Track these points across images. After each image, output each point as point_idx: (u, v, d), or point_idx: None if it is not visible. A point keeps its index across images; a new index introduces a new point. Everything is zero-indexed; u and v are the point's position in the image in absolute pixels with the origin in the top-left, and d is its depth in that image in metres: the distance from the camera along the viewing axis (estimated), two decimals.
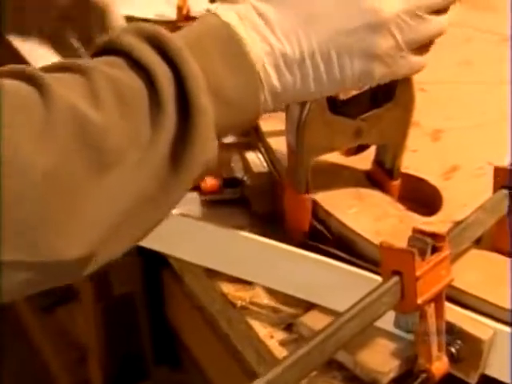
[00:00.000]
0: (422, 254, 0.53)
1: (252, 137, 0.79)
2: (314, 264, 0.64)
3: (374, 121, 0.66)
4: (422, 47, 0.57)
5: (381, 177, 0.70)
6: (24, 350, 1.52)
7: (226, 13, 0.52)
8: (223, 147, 0.74)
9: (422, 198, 0.70)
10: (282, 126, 0.68)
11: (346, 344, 0.51)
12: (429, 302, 0.54)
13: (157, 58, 0.48)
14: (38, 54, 0.88)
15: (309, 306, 0.66)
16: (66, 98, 0.45)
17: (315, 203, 0.68)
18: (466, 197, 0.67)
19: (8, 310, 1.48)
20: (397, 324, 0.55)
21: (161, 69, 0.48)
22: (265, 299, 0.68)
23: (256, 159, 0.75)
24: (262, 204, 0.75)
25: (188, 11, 0.81)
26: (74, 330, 1.39)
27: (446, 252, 0.54)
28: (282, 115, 0.66)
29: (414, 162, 0.72)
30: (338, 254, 0.65)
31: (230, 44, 0.51)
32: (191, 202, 0.76)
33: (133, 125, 0.47)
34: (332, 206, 0.68)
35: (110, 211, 0.46)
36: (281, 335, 0.65)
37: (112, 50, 0.49)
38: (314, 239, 0.68)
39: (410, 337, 0.57)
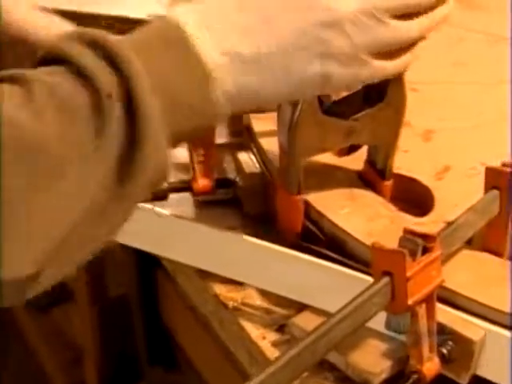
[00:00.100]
0: (413, 254, 0.53)
1: (244, 137, 0.79)
2: (306, 265, 0.64)
3: (366, 121, 0.66)
4: (391, 53, 0.56)
5: (373, 177, 0.70)
6: (20, 350, 1.52)
7: (179, 13, 0.51)
8: (216, 148, 0.75)
9: (414, 198, 0.70)
10: (274, 127, 0.68)
11: (337, 345, 0.51)
12: (420, 302, 0.54)
13: (100, 64, 0.46)
14: None
15: (301, 307, 0.66)
16: (4, 109, 0.43)
17: (307, 204, 0.68)
18: (458, 197, 0.67)
19: (4, 311, 1.48)
20: (388, 325, 0.55)
21: (104, 74, 0.46)
22: (257, 300, 0.68)
23: (248, 160, 0.75)
24: (254, 205, 0.75)
25: None
26: (69, 330, 1.39)
27: (436, 253, 0.54)
28: (275, 115, 0.67)
29: (406, 162, 0.72)
30: (331, 255, 0.65)
31: (180, 44, 0.49)
32: (183, 203, 0.76)
33: (75, 134, 0.45)
34: (324, 207, 0.68)
35: (55, 225, 0.44)
36: (273, 336, 0.65)
37: (53, 58, 0.47)
38: (307, 240, 0.68)
39: (402, 337, 0.58)
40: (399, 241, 0.54)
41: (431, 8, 0.58)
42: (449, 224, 0.59)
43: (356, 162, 0.71)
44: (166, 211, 0.71)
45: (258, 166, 0.75)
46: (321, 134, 0.66)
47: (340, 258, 0.64)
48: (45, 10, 0.71)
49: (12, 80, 0.45)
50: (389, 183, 0.70)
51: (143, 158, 0.46)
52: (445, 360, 0.57)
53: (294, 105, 0.63)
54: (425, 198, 0.69)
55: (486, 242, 0.62)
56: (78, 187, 0.45)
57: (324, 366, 0.62)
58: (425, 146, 0.76)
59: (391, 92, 0.66)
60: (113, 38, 0.47)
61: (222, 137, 0.81)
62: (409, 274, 0.52)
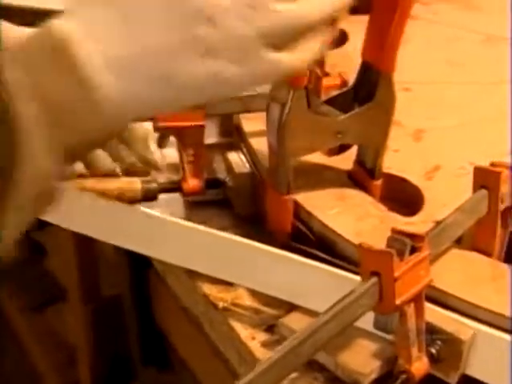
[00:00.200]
0: (401, 254, 0.53)
1: (234, 137, 0.79)
2: (296, 265, 0.64)
3: (355, 121, 0.66)
4: (286, 42, 0.51)
5: (362, 177, 0.70)
6: (13, 350, 1.52)
7: (62, 21, 0.48)
8: (206, 148, 0.75)
9: (403, 198, 0.70)
10: (264, 126, 0.68)
11: (324, 346, 0.51)
12: (408, 302, 0.53)
13: None
14: None
15: (291, 308, 0.66)
16: None
17: (297, 204, 0.68)
18: (447, 197, 0.66)
19: None
20: (376, 325, 0.55)
21: None
22: (247, 300, 0.68)
23: (238, 160, 0.75)
24: (244, 205, 0.75)
25: None
26: (62, 330, 1.39)
27: (425, 252, 0.54)
28: (265, 115, 0.66)
29: (395, 162, 0.72)
30: (321, 256, 0.65)
31: (63, 54, 0.47)
32: (173, 204, 0.76)
33: None
34: (313, 207, 0.67)
35: None
36: (262, 336, 0.65)
37: None
38: (297, 240, 0.68)
39: (391, 337, 0.57)
40: (387, 241, 0.54)
41: None
42: (437, 224, 0.59)
43: (346, 161, 0.71)
44: (155, 212, 0.71)
45: (248, 166, 0.74)
46: (310, 134, 0.65)
47: (330, 258, 0.64)
48: None
49: None
50: (378, 183, 0.69)
51: (18, 171, 0.44)
52: (434, 360, 0.56)
53: (283, 104, 0.63)
54: (415, 198, 0.69)
55: (475, 241, 0.62)
56: None
57: (314, 366, 0.61)
58: (415, 145, 0.76)
59: (380, 91, 0.66)
60: None
61: (212, 137, 0.81)
62: (397, 274, 0.52)
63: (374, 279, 0.52)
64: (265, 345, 0.64)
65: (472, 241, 0.62)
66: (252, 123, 0.76)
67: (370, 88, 0.66)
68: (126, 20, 0.49)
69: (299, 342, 0.49)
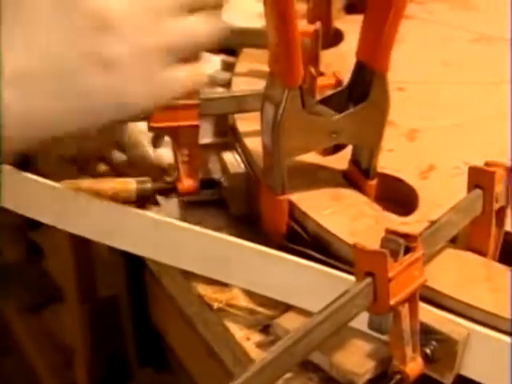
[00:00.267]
0: (395, 254, 0.53)
1: (229, 137, 0.79)
2: (291, 266, 0.64)
3: (350, 120, 0.66)
4: (183, 58, 0.50)
5: (357, 177, 0.70)
6: (13, 351, 1.52)
7: None
8: (201, 148, 0.75)
9: (398, 197, 0.70)
10: (259, 127, 0.67)
11: (318, 346, 0.51)
12: (402, 302, 0.53)
13: None
14: None
15: (286, 308, 0.66)
16: None
17: (292, 204, 0.68)
18: (442, 196, 0.66)
19: None
20: (371, 325, 0.55)
21: None
22: (242, 301, 0.68)
23: (233, 160, 0.75)
24: (239, 205, 0.75)
25: None
26: (59, 331, 1.39)
27: (419, 252, 0.54)
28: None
29: (390, 161, 0.71)
30: (315, 256, 0.65)
31: None
32: (168, 204, 0.76)
33: None
34: (308, 207, 0.67)
35: None
36: (257, 337, 0.65)
37: None
38: (292, 241, 0.68)
39: (386, 337, 0.57)
40: (381, 241, 0.54)
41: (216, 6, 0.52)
42: (431, 223, 0.59)
43: (340, 161, 0.71)
44: (149, 212, 0.71)
45: (243, 166, 0.74)
46: (304, 134, 0.65)
47: (325, 258, 0.64)
48: None
49: None
50: (373, 183, 0.69)
51: None
52: (428, 360, 0.56)
53: (277, 104, 0.63)
54: (409, 198, 0.69)
55: (469, 241, 0.62)
56: None
57: (308, 366, 0.61)
58: (410, 145, 0.76)
59: (374, 91, 0.65)
60: None
61: (207, 137, 0.81)
62: (391, 274, 0.52)
63: (368, 279, 0.52)
64: (260, 345, 0.64)
65: (467, 240, 0.62)
66: (247, 123, 0.76)
67: (365, 88, 0.66)
68: (27, 32, 0.47)
69: (293, 342, 0.48)
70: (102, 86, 0.48)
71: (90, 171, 0.74)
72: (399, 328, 0.54)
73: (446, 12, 1.01)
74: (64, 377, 1.35)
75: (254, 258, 0.66)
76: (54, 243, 1.27)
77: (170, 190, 0.73)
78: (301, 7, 0.89)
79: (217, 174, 0.76)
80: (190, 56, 0.51)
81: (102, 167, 0.74)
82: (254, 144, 0.72)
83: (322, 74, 0.76)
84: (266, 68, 0.65)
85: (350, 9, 0.99)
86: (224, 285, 0.69)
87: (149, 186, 0.73)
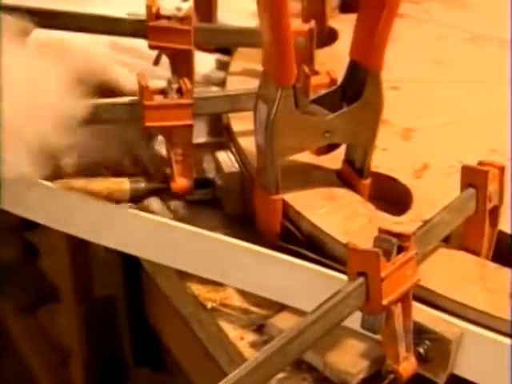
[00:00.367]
0: (388, 254, 0.53)
1: (224, 137, 0.79)
2: (285, 266, 0.64)
3: (343, 120, 0.66)
4: None
5: (351, 176, 0.69)
6: (12, 351, 1.51)
7: None
8: (195, 147, 0.75)
9: (392, 197, 0.70)
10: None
11: (311, 346, 0.51)
12: (395, 302, 0.53)
13: None
14: None
15: (280, 308, 0.66)
16: None
17: (286, 204, 0.68)
18: (436, 195, 0.66)
19: None
20: (364, 325, 0.54)
21: None
22: (236, 301, 0.68)
23: (227, 159, 0.75)
24: (233, 205, 0.75)
25: (158, 10, 0.80)
26: (56, 331, 1.38)
27: (412, 252, 0.54)
28: None
29: (384, 160, 0.71)
30: (309, 255, 0.65)
31: None
32: (162, 204, 0.75)
33: None
34: (302, 207, 0.67)
35: None
36: (251, 337, 0.65)
37: None
38: (287, 240, 0.68)
39: (379, 337, 0.57)
40: (374, 240, 0.53)
41: None
42: (424, 223, 0.59)
43: (334, 161, 0.71)
44: (143, 212, 0.71)
45: (237, 165, 0.74)
46: (298, 133, 0.65)
47: (319, 258, 0.64)
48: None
49: None
50: (367, 182, 0.69)
51: None
52: (422, 359, 0.56)
53: (271, 103, 0.63)
54: (403, 197, 0.69)
55: (463, 240, 0.62)
56: None
57: (302, 366, 0.61)
58: (404, 144, 0.76)
59: (368, 90, 0.65)
60: None
61: (201, 136, 0.81)
62: (383, 274, 0.51)
63: (361, 279, 0.52)
64: (254, 345, 0.64)
65: (460, 240, 0.62)
66: (241, 123, 0.76)
67: (358, 87, 0.66)
68: None
69: (286, 341, 0.48)
70: None
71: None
72: (392, 328, 0.54)
73: (441, 11, 1.01)
74: (60, 376, 1.35)
75: (249, 257, 0.66)
76: (50, 243, 1.27)
77: (163, 190, 0.73)
78: (295, 6, 0.89)
79: (211, 174, 0.76)
80: None
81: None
82: (249, 143, 0.72)
83: (316, 73, 0.76)
84: (260, 67, 0.64)
85: (345, 8, 0.99)
86: (218, 284, 0.69)
87: (142, 185, 0.73)
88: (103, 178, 0.73)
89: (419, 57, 0.90)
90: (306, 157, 0.71)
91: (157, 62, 0.84)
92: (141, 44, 0.84)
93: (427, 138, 0.76)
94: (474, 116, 0.80)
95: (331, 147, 0.71)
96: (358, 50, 0.65)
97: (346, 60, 0.67)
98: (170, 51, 0.82)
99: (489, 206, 0.61)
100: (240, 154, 0.74)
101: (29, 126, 0.55)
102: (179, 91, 0.71)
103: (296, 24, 0.81)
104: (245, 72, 0.86)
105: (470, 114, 0.80)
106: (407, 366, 0.55)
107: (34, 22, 0.76)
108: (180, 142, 0.72)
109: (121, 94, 0.78)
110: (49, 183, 0.73)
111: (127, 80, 0.77)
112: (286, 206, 0.68)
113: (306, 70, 0.70)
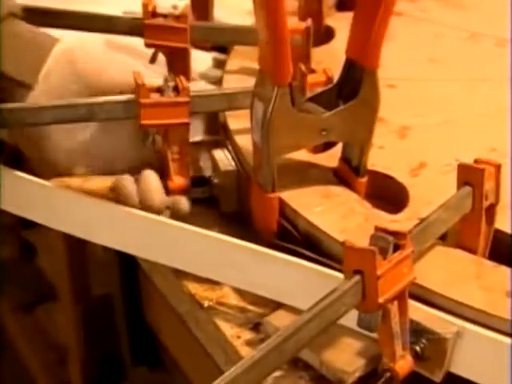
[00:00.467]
0: (384, 252, 0.52)
1: (220, 135, 0.79)
2: (282, 264, 0.64)
3: (340, 118, 0.66)
4: None
5: (348, 174, 0.69)
6: (4, 350, 1.51)
7: None
8: (191, 145, 0.75)
9: (389, 195, 0.70)
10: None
11: (307, 344, 0.51)
12: (391, 300, 0.53)
13: None
14: None
15: (277, 306, 0.66)
16: None
17: (282, 202, 0.68)
18: (433, 194, 0.66)
19: None
20: (360, 323, 0.54)
21: None
22: (233, 299, 0.68)
23: (224, 158, 0.75)
24: (230, 203, 0.74)
25: (154, 8, 0.80)
26: (53, 330, 1.38)
27: (408, 250, 0.54)
28: None
29: (380, 159, 0.71)
30: (306, 254, 0.65)
31: None
32: None
33: None
34: (299, 205, 0.67)
35: None
36: (248, 335, 0.65)
37: None
38: (283, 239, 0.68)
39: (375, 335, 0.57)
40: (370, 239, 0.53)
41: None
42: (421, 221, 0.59)
43: (331, 159, 0.71)
44: (139, 211, 0.71)
45: (233, 164, 0.74)
46: (294, 131, 0.65)
47: (316, 256, 0.64)
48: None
49: None
50: (363, 180, 0.69)
51: None
52: (418, 358, 0.56)
53: (267, 102, 0.63)
54: (400, 195, 0.68)
55: (459, 238, 0.62)
56: None
57: (299, 365, 0.61)
58: (400, 142, 0.75)
59: (364, 88, 0.65)
60: None
61: (198, 134, 0.81)
62: (379, 272, 0.51)
63: (357, 277, 0.52)
64: (250, 344, 0.64)
65: (456, 238, 0.62)
66: (238, 121, 0.76)
67: (355, 85, 0.65)
68: None
69: (282, 340, 0.48)
70: None
71: None
72: (388, 326, 0.54)
73: (437, 10, 1.01)
74: (58, 375, 1.35)
75: (245, 256, 0.66)
76: (47, 242, 1.27)
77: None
78: (292, 4, 0.89)
79: (207, 172, 0.76)
80: None
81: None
82: (245, 142, 0.72)
83: (313, 72, 0.76)
84: (257, 65, 0.64)
85: (341, 6, 0.99)
86: (215, 283, 0.69)
87: None
88: (100, 176, 0.73)
89: (416, 55, 0.90)
90: (302, 155, 0.71)
91: (153, 60, 0.84)
92: (137, 42, 0.84)
93: (424, 136, 0.76)
94: (472, 115, 0.79)
95: (328, 145, 0.71)
96: (355, 48, 0.65)
97: (342, 58, 0.67)
98: (167, 49, 0.82)
99: (485, 204, 0.61)
100: (236, 153, 0.74)
101: None
102: (176, 89, 0.71)
103: (292, 22, 0.81)
104: (241, 70, 0.86)
105: (467, 112, 0.80)
106: (403, 364, 0.55)
107: (28, 20, 0.76)
108: (176, 140, 0.72)
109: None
110: (46, 182, 0.73)
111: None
112: (283, 204, 0.68)
113: (303, 68, 0.70)
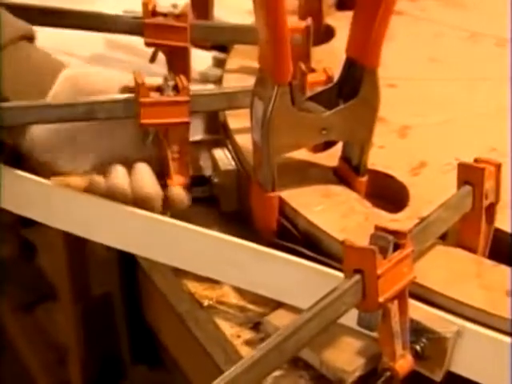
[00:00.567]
0: (384, 251, 0.53)
1: (220, 134, 0.79)
2: (282, 263, 0.64)
3: (340, 117, 0.66)
4: None
5: (348, 173, 0.69)
6: (4, 350, 1.51)
7: None
8: (191, 145, 0.75)
9: (389, 194, 0.70)
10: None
11: (307, 343, 0.51)
12: (392, 299, 0.53)
13: None
14: None
15: (277, 306, 0.66)
16: None
17: (282, 201, 0.68)
18: (433, 193, 0.66)
19: None
20: (360, 323, 0.54)
21: None
22: (233, 298, 0.68)
23: (224, 157, 0.75)
24: (230, 203, 0.74)
25: (154, 7, 0.80)
26: (53, 329, 1.38)
27: (408, 249, 0.54)
28: None
29: (381, 158, 0.71)
30: (306, 253, 0.65)
31: None
32: None
33: None
34: (299, 204, 0.67)
35: None
36: (248, 334, 0.65)
37: None
38: (283, 238, 0.68)
39: (375, 335, 0.57)
40: (370, 238, 0.53)
41: None
42: (421, 220, 0.59)
43: (331, 158, 0.71)
44: (139, 209, 0.71)
45: (233, 163, 0.74)
46: (294, 131, 0.65)
47: (316, 255, 0.64)
48: None
49: None
50: (364, 179, 0.69)
51: None
52: (418, 357, 0.56)
53: (267, 101, 0.63)
54: (400, 195, 0.68)
55: (459, 238, 0.62)
56: None
57: (299, 364, 0.61)
58: (400, 142, 0.75)
59: (365, 87, 0.65)
60: None
61: (198, 134, 0.81)
62: (379, 271, 0.51)
63: (357, 277, 0.52)
64: (250, 343, 0.64)
65: (456, 237, 0.62)
66: (238, 120, 0.76)
67: (355, 84, 0.65)
68: None
69: (282, 339, 0.48)
70: None
71: None
72: (388, 325, 0.54)
73: (437, 9, 1.01)
74: (58, 375, 1.35)
75: (245, 255, 0.66)
76: (47, 241, 1.27)
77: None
78: (292, 3, 0.89)
79: (207, 171, 0.76)
80: None
81: None
82: (245, 141, 0.72)
83: (313, 71, 0.76)
84: (257, 64, 0.64)
85: (341, 5, 0.99)
86: (214, 282, 0.69)
87: None
88: (99, 175, 0.73)
89: (416, 54, 0.90)
90: (302, 154, 0.71)
91: (153, 59, 0.84)
92: (137, 41, 0.84)
93: (424, 135, 0.76)
94: (472, 114, 0.79)
95: (328, 144, 0.71)
96: (355, 48, 0.65)
97: (342, 57, 0.67)
98: (167, 48, 0.82)
99: (485, 203, 0.61)
100: (236, 152, 0.74)
101: None
102: (175, 88, 0.71)
103: (292, 21, 0.81)
104: (241, 69, 0.86)
105: (467, 112, 0.80)
106: (404, 363, 0.55)
107: (29, 19, 0.76)
108: (176, 140, 0.72)
109: None
110: (45, 180, 0.73)
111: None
112: (283, 204, 0.68)
113: (303, 67, 0.70)
